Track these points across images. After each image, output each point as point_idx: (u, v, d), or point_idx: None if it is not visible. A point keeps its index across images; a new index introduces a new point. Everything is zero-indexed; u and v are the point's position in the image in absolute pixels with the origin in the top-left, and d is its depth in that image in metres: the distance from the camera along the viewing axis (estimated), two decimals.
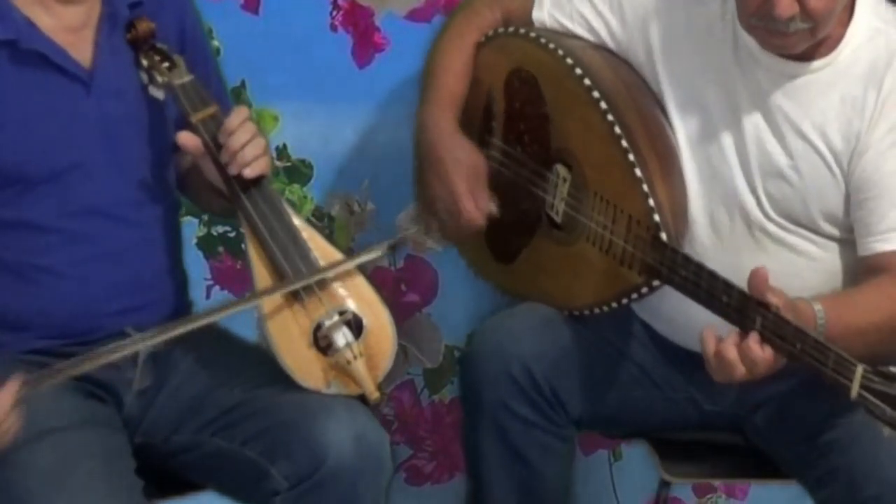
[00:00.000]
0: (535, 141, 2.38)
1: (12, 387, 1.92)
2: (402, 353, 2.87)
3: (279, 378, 2.14)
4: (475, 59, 2.46)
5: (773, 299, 1.93)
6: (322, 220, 2.83)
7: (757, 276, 1.96)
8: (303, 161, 2.80)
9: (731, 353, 1.95)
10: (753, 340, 1.93)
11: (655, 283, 2.17)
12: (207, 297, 2.79)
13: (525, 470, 2.26)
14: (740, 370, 1.95)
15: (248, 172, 2.15)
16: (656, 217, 2.15)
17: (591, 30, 2.37)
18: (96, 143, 2.17)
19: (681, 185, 2.24)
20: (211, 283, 2.79)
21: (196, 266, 2.72)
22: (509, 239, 2.43)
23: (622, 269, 2.20)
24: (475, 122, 2.47)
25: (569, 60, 2.30)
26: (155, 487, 2.15)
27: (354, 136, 2.80)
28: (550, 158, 2.35)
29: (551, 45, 2.34)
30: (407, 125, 2.58)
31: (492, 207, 2.35)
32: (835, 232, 2.23)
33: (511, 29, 2.43)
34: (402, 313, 2.86)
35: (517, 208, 2.37)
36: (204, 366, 2.21)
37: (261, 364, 2.22)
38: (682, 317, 2.26)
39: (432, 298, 2.87)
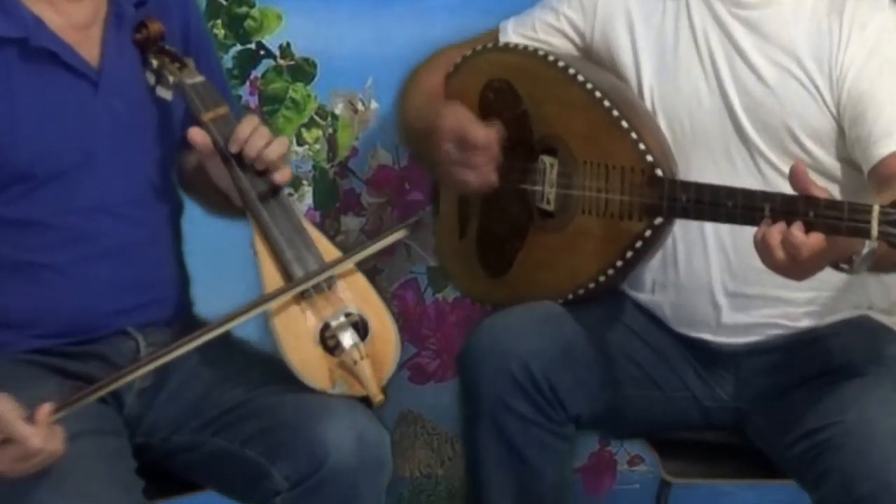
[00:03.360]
0: (517, 142, 2.38)
1: (44, 411, 1.91)
2: (406, 251, 2.88)
3: (280, 378, 2.14)
4: (446, 94, 2.49)
5: (819, 193, 1.93)
6: (326, 119, 2.80)
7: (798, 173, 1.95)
8: (307, 59, 2.77)
9: (775, 238, 1.94)
10: (797, 228, 1.92)
11: (657, 220, 2.21)
12: None
13: (523, 468, 2.26)
14: (779, 255, 1.93)
15: (279, 178, 2.14)
16: (650, 158, 2.21)
17: (558, 31, 2.44)
18: (103, 141, 2.15)
19: (662, 134, 2.29)
20: None
21: None
22: (502, 250, 2.42)
23: (622, 225, 2.24)
24: None
25: (539, 52, 2.39)
26: (155, 487, 2.17)
27: (359, 35, 2.76)
28: (534, 153, 2.37)
29: (518, 46, 2.43)
30: (411, 23, 2.63)
31: (498, 126, 2.33)
32: (823, 156, 2.25)
33: (478, 48, 2.46)
34: (405, 211, 2.86)
35: (507, 216, 2.37)
36: (204, 366, 2.20)
37: (261, 364, 2.22)
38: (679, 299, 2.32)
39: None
